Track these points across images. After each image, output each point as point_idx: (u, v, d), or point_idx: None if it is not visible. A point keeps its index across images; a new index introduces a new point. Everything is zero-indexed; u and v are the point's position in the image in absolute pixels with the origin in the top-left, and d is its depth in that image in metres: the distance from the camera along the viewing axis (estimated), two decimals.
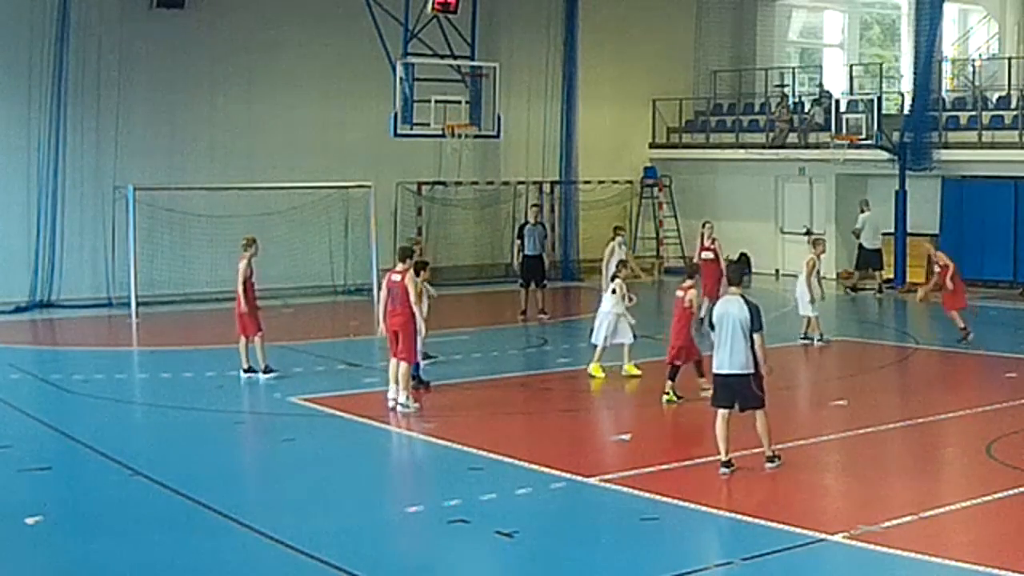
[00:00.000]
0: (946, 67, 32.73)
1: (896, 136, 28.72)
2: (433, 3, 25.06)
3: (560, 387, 18.27)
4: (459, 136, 25.85)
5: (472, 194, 31.12)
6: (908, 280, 28.12)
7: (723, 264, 21.64)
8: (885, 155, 28.86)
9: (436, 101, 25.31)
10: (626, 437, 14.93)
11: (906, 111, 29.54)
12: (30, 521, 11.12)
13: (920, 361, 20.65)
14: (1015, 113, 27.75)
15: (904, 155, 28.60)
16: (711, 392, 13.06)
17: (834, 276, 29.41)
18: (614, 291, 17.79)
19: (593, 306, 21.40)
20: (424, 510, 11.72)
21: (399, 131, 25.50)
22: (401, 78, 25.10)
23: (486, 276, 30.67)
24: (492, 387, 17.75)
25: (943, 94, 30.76)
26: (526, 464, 13.06)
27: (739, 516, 11.29)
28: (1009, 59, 30.10)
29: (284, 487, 12.79)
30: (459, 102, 25.80)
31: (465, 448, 13.82)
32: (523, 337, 22.79)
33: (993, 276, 28.29)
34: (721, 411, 12.63)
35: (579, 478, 12.51)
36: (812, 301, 20.85)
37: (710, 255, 22.71)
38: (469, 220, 31.20)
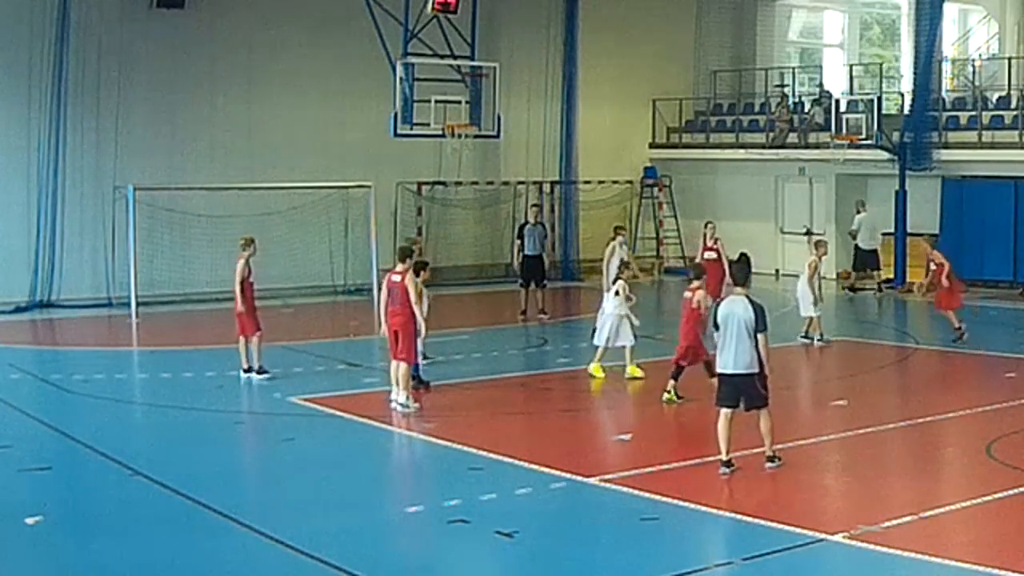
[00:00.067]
0: (946, 67, 32.74)
1: (896, 136, 28.73)
2: (433, 3, 25.06)
3: (560, 387, 18.27)
4: (459, 136, 25.85)
5: (472, 194, 31.12)
6: (908, 280, 28.12)
7: (725, 264, 21.88)
8: (885, 155, 28.87)
9: (436, 101, 25.31)
10: (626, 437, 14.93)
11: (906, 111, 29.53)
12: (30, 521, 11.12)
13: (920, 361, 20.65)
14: (1015, 113, 27.75)
15: (904, 155, 28.60)
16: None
17: (834, 276, 29.41)
18: (617, 292, 17.77)
19: (593, 306, 21.40)
20: (424, 510, 11.72)
21: (399, 131, 25.49)
22: (401, 78, 25.10)
23: (486, 276, 30.67)
24: (492, 387, 17.75)
25: (943, 94, 30.76)
26: (526, 464, 13.06)
27: (739, 516, 11.29)
28: (1009, 59, 30.10)
29: (284, 487, 12.78)
30: (459, 102, 25.80)
31: (465, 448, 13.82)
32: (523, 337, 22.79)
33: (993, 276, 28.30)
34: (724, 411, 12.65)
35: (579, 478, 12.51)
36: (815, 303, 20.89)
37: (713, 255, 22.91)
38: (469, 220, 31.20)
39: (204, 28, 27.32)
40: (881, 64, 33.86)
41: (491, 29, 29.57)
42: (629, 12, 32.87)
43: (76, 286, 25.87)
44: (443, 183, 30.45)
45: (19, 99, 25.41)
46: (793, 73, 34.08)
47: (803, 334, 21.04)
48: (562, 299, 27.66)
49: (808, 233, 26.09)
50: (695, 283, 16.59)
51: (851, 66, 33.75)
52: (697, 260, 22.79)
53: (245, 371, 17.84)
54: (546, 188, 32.04)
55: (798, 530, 10.71)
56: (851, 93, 30.72)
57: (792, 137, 31.37)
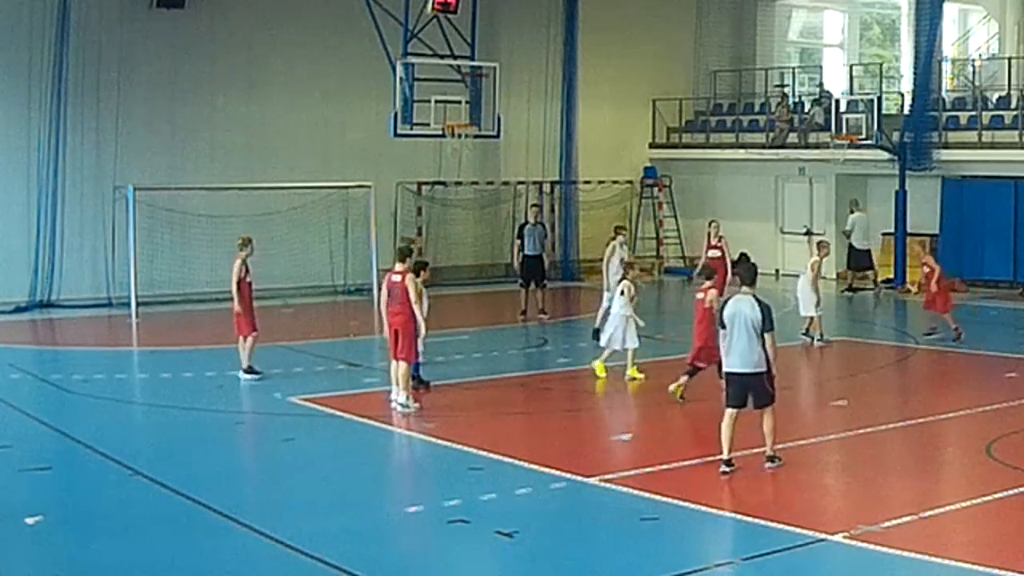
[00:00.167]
0: (946, 67, 32.72)
1: (896, 136, 28.72)
2: (433, 3, 25.04)
3: (560, 387, 18.27)
4: (459, 136, 25.83)
5: (472, 194, 31.12)
6: (907, 280, 28.14)
7: (729, 262, 22.05)
8: (885, 155, 28.86)
9: (436, 101, 25.30)
10: (626, 437, 14.94)
11: (906, 111, 29.52)
12: (30, 521, 11.12)
13: (920, 361, 20.65)
14: (1015, 113, 27.74)
15: (904, 155, 28.60)
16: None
17: (834, 276, 29.40)
18: (622, 292, 17.75)
19: (593, 306, 21.46)
20: (424, 510, 11.72)
21: (399, 131, 25.47)
22: (401, 78, 25.08)
23: (486, 276, 30.67)
24: (492, 387, 17.75)
25: (943, 94, 30.75)
26: (526, 464, 13.06)
27: (739, 516, 11.29)
28: (1009, 59, 30.09)
29: (284, 487, 12.78)
30: (459, 102, 25.78)
31: (465, 448, 13.82)
32: (523, 337, 22.79)
33: (993, 276, 28.32)
34: (730, 410, 12.67)
35: (579, 478, 12.51)
36: (817, 303, 20.94)
37: (716, 253, 23.05)
38: (469, 220, 31.20)
39: (204, 28, 27.32)
40: (881, 64, 33.85)
41: (491, 29, 29.57)
42: (629, 12, 32.86)
43: (76, 286, 25.87)
44: (443, 183, 30.45)
45: (19, 99, 25.40)
46: (793, 73, 34.07)
47: (804, 331, 21.06)
48: (562, 299, 27.66)
49: (808, 233, 26.10)
50: (707, 283, 16.59)
51: (851, 66, 33.74)
52: (702, 259, 22.95)
53: (255, 372, 17.86)
54: (546, 188, 32.04)
55: (798, 530, 10.71)
56: (851, 93, 30.71)
57: (792, 137, 31.37)
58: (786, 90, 32.55)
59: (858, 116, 28.57)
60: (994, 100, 29.24)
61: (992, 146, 27.80)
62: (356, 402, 16.36)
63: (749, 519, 11.14)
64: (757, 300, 12.60)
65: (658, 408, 16.19)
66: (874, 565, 10.06)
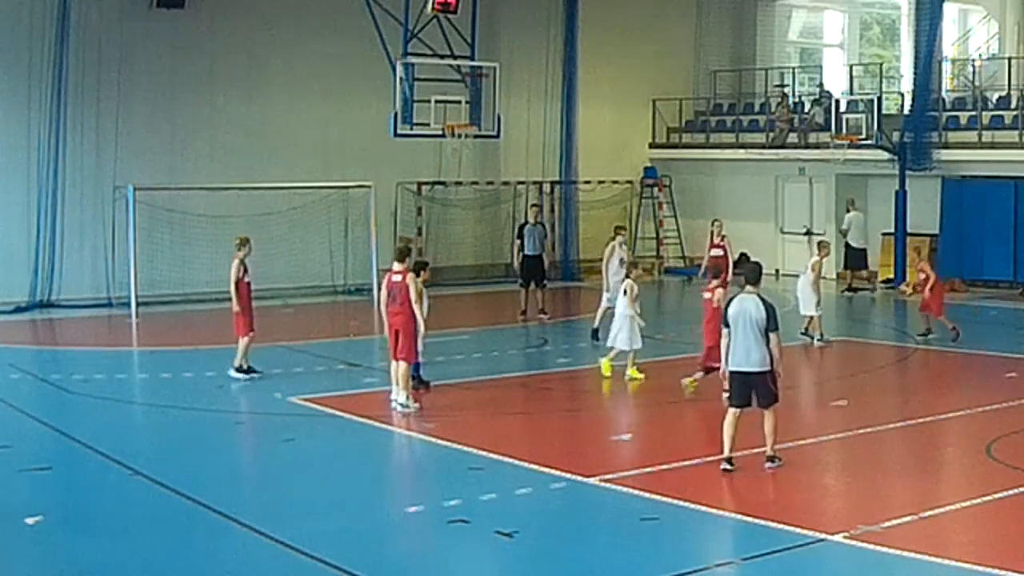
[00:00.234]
0: (946, 67, 32.72)
1: (896, 136, 28.72)
2: (433, 3, 25.04)
3: (560, 387, 18.27)
4: (459, 136, 25.83)
5: (472, 194, 31.12)
6: (907, 280, 28.15)
7: (731, 261, 22.20)
8: (885, 155, 28.86)
9: (436, 101, 25.29)
10: (626, 437, 14.94)
11: (906, 111, 29.52)
12: (30, 521, 11.12)
13: (920, 361, 20.65)
14: (1015, 113, 27.74)
15: (904, 155, 28.60)
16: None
17: (834, 276, 29.41)
18: (626, 291, 17.75)
19: (593, 306, 21.46)
20: (424, 510, 11.72)
21: (399, 131, 25.46)
22: (401, 78, 25.08)
23: (486, 276, 30.67)
24: (492, 387, 17.75)
25: (943, 94, 30.74)
26: (526, 464, 13.06)
27: (739, 516, 11.29)
28: (1009, 59, 30.09)
29: (284, 487, 12.78)
30: (459, 102, 25.77)
31: (465, 448, 13.82)
32: (523, 337, 22.79)
33: (993, 276, 28.31)
34: (733, 409, 12.69)
35: (579, 478, 12.51)
36: (818, 303, 20.98)
37: (719, 252, 23.35)
38: (469, 220, 31.20)
39: (204, 28, 27.31)
40: (881, 64, 33.85)
41: (491, 29, 29.57)
42: (629, 12, 32.88)
43: (76, 286, 25.86)
44: (443, 183, 30.45)
45: (19, 99, 25.40)
46: (793, 73, 34.07)
47: (803, 331, 21.08)
48: (562, 299, 27.66)
49: (808, 233, 26.16)
50: (714, 282, 16.60)
51: (851, 66, 33.74)
52: (705, 258, 23.12)
53: (246, 371, 17.85)
54: (546, 188, 32.04)
55: (798, 530, 10.71)
56: (851, 93, 30.71)
57: (792, 137, 31.37)
58: (786, 90, 32.56)
59: (858, 116, 28.58)
60: (994, 100, 29.24)
61: (992, 146, 27.80)
62: (356, 402, 16.36)
63: (749, 519, 11.14)
64: (762, 299, 12.64)
65: (658, 408, 16.18)
66: (874, 565, 10.06)
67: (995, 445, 13.71)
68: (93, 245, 26.12)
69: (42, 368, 19.67)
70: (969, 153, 28.09)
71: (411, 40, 25.58)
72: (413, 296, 15.59)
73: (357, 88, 28.57)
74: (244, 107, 28.06)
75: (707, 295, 16.51)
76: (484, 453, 13.56)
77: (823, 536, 10.54)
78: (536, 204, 27.99)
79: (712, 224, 24.22)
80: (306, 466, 13.58)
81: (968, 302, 25.96)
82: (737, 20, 35.17)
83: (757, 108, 33.44)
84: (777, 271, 31.14)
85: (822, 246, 21.88)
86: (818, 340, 20.94)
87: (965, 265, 28.23)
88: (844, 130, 28.76)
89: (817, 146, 30.39)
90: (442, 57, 25.92)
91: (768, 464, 12.69)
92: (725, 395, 14.43)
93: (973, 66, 31.68)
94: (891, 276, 29.00)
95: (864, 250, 28.96)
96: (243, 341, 17.76)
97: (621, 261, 20.96)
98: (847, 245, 29.00)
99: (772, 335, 12.52)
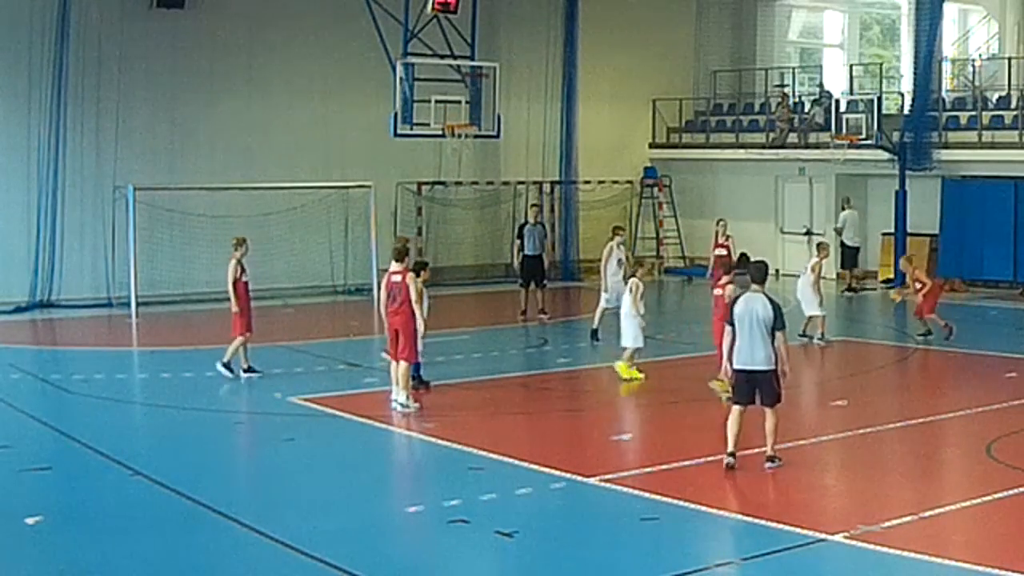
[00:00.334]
0: (946, 67, 32.72)
1: (896, 136, 28.72)
2: (433, 3, 25.03)
3: (560, 387, 18.27)
4: (459, 136, 25.82)
5: (472, 194, 31.12)
6: (904, 282, 28.14)
7: (734, 260, 22.25)
8: (885, 155, 28.86)
9: (436, 101, 25.28)
10: (626, 437, 14.94)
11: (906, 111, 29.52)
12: (30, 521, 11.12)
13: (920, 361, 20.65)
14: (1015, 113, 27.75)
15: (904, 155, 28.60)
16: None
17: (834, 276, 29.40)
18: (631, 290, 17.74)
19: (593, 306, 21.45)
20: (424, 510, 11.72)
21: (399, 131, 25.45)
22: (401, 78, 25.07)
23: (486, 276, 30.67)
24: (492, 387, 17.75)
25: (943, 94, 30.75)
26: (526, 464, 13.05)
27: (739, 516, 11.29)
28: (1009, 59, 30.09)
29: (284, 487, 12.77)
30: (459, 102, 25.76)
31: (465, 448, 13.82)
32: (523, 337, 22.79)
33: (993, 276, 28.31)
34: (737, 407, 12.70)
35: (579, 478, 12.51)
36: (820, 303, 21.01)
37: (723, 251, 23.89)
38: (469, 220, 31.20)
39: (204, 28, 27.31)
40: (881, 64, 33.86)
41: (491, 29, 29.57)
42: (629, 12, 32.85)
43: (76, 286, 25.87)
44: (443, 183, 30.45)
45: (19, 99, 25.41)
46: (793, 73, 34.07)
47: (801, 332, 21.08)
48: (562, 299, 27.66)
49: (808, 233, 26.16)
50: (724, 278, 16.61)
51: (851, 66, 33.75)
52: (711, 257, 23.35)
53: (245, 371, 17.86)
54: (546, 188, 32.04)
55: (798, 530, 10.71)
56: (851, 93, 30.72)
57: (792, 137, 31.37)
58: (786, 90, 32.56)
59: (858, 116, 28.58)
60: (994, 100, 29.24)
61: (992, 146, 27.80)
62: (356, 402, 16.36)
63: (749, 519, 11.15)
64: (768, 298, 12.67)
65: (658, 408, 16.18)
66: (874, 565, 10.05)
67: (995, 445, 13.70)
68: (93, 245, 26.12)
69: (42, 368, 19.67)
70: (969, 153, 28.10)
71: (411, 40, 25.57)
72: (413, 296, 15.58)
73: (357, 88, 28.57)
74: (244, 107, 28.05)
75: (718, 291, 16.51)
76: (484, 453, 13.56)
77: (823, 536, 10.54)
78: (536, 204, 28.01)
79: (717, 224, 24.72)
80: (306, 466, 13.58)
81: (968, 302, 25.95)
82: (737, 20, 35.18)
83: (757, 108, 33.44)
84: (777, 271, 31.05)
85: (821, 247, 21.92)
86: (819, 340, 20.95)
87: (965, 265, 28.22)
88: (844, 130, 28.77)
89: (817, 146, 30.40)
90: (442, 57, 25.91)
91: (768, 464, 12.69)
92: (725, 395, 14.51)
93: (973, 66, 31.69)
94: (891, 276, 28.99)
95: (857, 248, 29.01)
96: (238, 340, 17.76)
97: (619, 261, 20.97)
98: (842, 243, 29.02)
99: (779, 334, 12.59)
